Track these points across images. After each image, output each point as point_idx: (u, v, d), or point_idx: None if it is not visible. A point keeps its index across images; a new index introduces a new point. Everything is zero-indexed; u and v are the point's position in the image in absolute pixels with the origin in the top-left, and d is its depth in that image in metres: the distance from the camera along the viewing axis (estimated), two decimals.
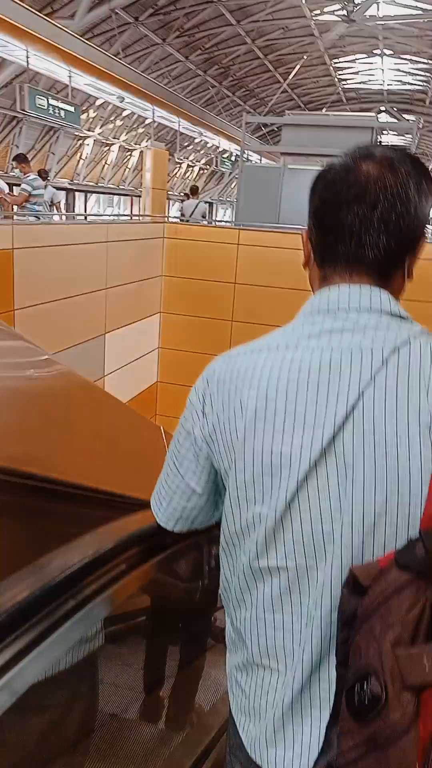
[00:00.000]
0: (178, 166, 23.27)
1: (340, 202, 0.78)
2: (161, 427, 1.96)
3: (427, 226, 0.84)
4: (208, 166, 25.92)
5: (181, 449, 0.88)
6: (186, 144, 22.18)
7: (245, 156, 8.91)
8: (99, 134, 16.84)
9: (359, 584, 0.68)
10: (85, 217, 10.98)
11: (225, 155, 20.71)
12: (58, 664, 0.95)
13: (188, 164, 24.44)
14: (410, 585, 0.65)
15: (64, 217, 8.93)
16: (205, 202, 19.39)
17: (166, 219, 8.06)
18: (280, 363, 0.77)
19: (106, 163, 18.25)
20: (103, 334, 6.55)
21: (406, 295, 0.88)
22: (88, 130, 16.31)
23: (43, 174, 7.16)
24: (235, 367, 0.81)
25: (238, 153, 8.98)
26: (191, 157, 24.08)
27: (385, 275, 0.80)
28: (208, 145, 23.64)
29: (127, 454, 1.65)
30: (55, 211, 7.66)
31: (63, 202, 13.35)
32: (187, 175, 24.60)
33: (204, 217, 8.41)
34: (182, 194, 17.33)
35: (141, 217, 7.92)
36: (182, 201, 9.24)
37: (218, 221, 17.17)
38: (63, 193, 15.30)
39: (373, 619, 0.66)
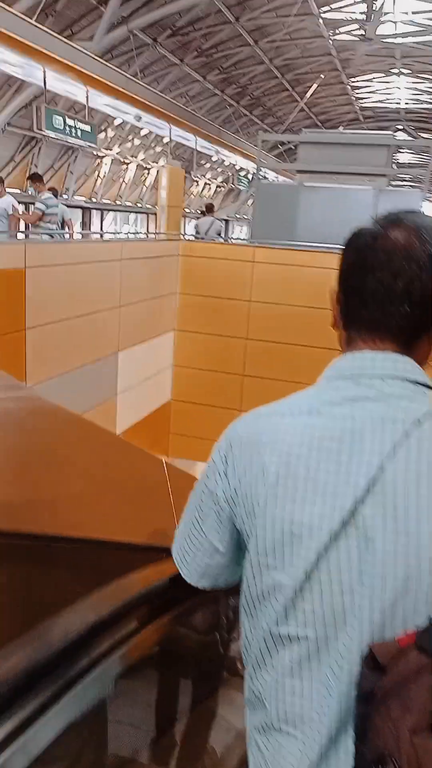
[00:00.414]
0: (195, 183, 23.44)
1: (365, 268, 0.79)
2: (163, 460, 1.84)
3: None
4: (225, 184, 26.08)
5: (203, 507, 0.88)
6: (203, 162, 22.35)
7: (261, 174, 8.88)
8: (117, 153, 17.02)
9: (378, 662, 0.67)
10: (101, 236, 11.02)
11: (242, 173, 20.81)
12: (72, 720, 0.90)
13: (205, 182, 24.61)
14: (430, 669, 0.63)
15: (79, 236, 8.94)
16: (221, 220, 19.45)
17: (181, 237, 8.05)
18: (302, 430, 0.78)
19: (123, 181, 18.43)
20: (117, 352, 6.49)
21: None
22: (106, 149, 16.49)
23: (53, 192, 7.18)
24: (257, 430, 0.82)
25: (255, 171, 8.96)
26: (208, 175, 24.26)
27: (409, 343, 0.80)
28: (225, 163, 23.82)
29: (124, 494, 1.56)
30: (67, 229, 7.67)
31: (78, 220, 13.44)
32: (204, 192, 24.75)
33: (219, 234, 8.38)
34: (199, 212, 17.42)
35: (156, 235, 7.91)
36: (198, 218, 9.24)
37: (234, 239, 17.13)
38: (76, 210, 15.46)
39: (391, 701, 0.64)
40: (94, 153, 15.81)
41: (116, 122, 15.55)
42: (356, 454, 0.74)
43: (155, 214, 9.27)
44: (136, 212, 20.19)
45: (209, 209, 8.53)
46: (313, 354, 7.49)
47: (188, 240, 8.24)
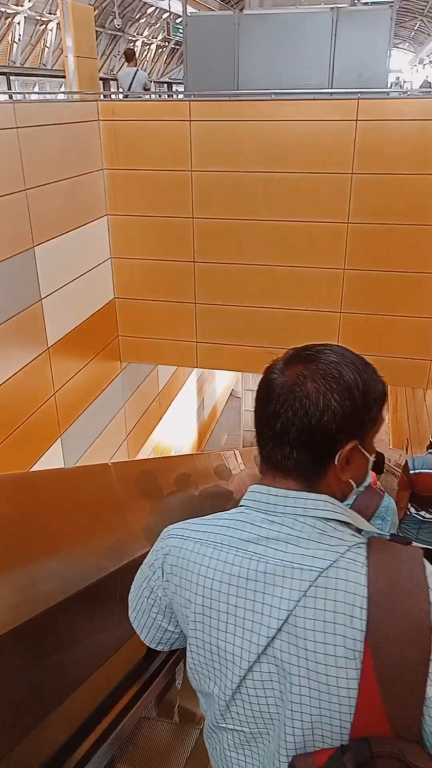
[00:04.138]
0: (132, 44, 20.52)
1: (260, 402, 0.85)
2: (108, 464, 1.85)
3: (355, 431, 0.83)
4: (166, 43, 23.04)
5: (149, 598, 0.96)
6: (137, 16, 19.38)
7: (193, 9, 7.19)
8: (29, 9, 14.39)
9: None
10: None
11: (179, 21, 18.07)
12: None
13: (144, 41, 21.60)
14: None
15: None
16: (162, 83, 16.99)
17: (100, 96, 6.56)
18: (222, 567, 0.85)
19: (45, 45, 15.83)
20: (32, 248, 5.35)
21: None
22: (16, 5, 13.90)
23: None
24: (185, 555, 0.90)
25: (190, 11, 7.26)
26: (146, 33, 21.22)
27: (310, 479, 0.84)
28: (164, 16, 20.73)
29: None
30: None
31: None
32: (145, 55, 21.81)
33: (147, 89, 6.88)
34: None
35: (69, 95, 6.43)
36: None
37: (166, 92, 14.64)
38: None
39: None
40: (1, 10, 13.31)
41: None
42: (269, 596, 0.81)
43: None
44: (54, 77, 17.46)
45: (129, 57, 6.94)
46: (272, 229, 6.39)
47: (109, 100, 6.75)
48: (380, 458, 5.87)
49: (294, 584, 0.79)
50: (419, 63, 30.27)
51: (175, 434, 9.74)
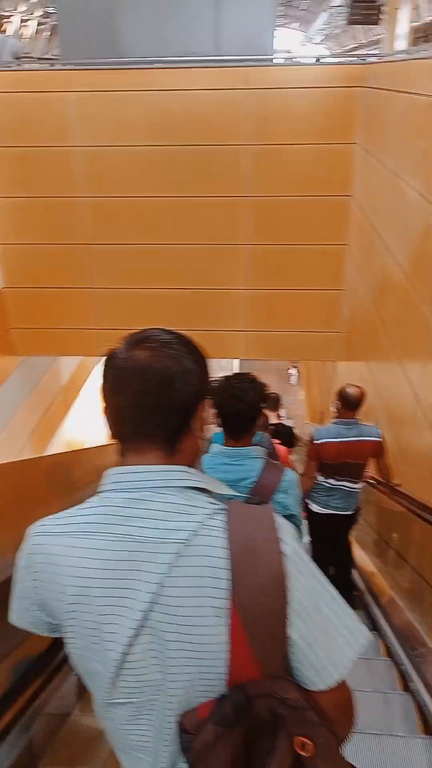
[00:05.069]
0: (8, 21, 19.28)
1: (116, 388, 0.90)
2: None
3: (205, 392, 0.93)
4: (47, 19, 21.85)
5: (24, 599, 0.97)
6: None
7: None
8: None
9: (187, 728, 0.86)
10: None
11: None
12: None
13: (21, 18, 20.35)
14: (224, 736, 0.82)
15: None
16: (45, 59, 15.96)
17: None
18: (91, 552, 0.88)
19: None
20: None
21: None
22: None
23: None
24: (52, 551, 0.91)
25: None
26: (23, 8, 19.99)
27: (173, 446, 0.91)
28: None
29: None
30: None
31: None
32: (22, 32, 20.57)
33: (17, 58, 6.31)
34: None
35: None
36: None
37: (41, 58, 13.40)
38: None
39: (203, 764, 0.82)
40: None
41: None
42: (139, 573, 0.85)
43: None
44: None
45: None
46: (170, 206, 6.05)
47: None
48: (290, 431, 5.80)
49: (160, 558, 0.84)
50: (309, 41, 30.89)
51: (86, 426, 9.27)
